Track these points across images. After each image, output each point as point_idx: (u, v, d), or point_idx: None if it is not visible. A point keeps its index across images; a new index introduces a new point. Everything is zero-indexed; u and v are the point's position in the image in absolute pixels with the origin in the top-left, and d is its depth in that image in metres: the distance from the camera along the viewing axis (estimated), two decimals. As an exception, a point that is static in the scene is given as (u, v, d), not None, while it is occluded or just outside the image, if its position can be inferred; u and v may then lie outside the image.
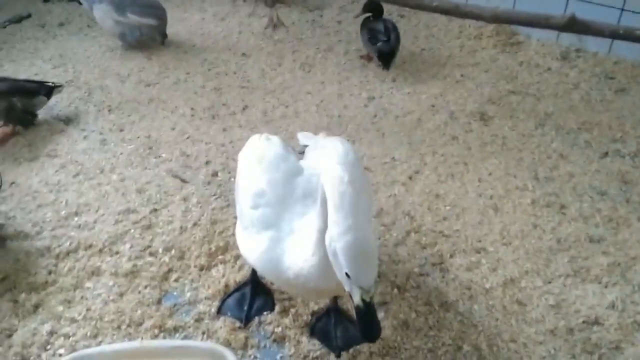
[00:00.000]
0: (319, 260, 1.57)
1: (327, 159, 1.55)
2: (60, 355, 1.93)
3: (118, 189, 2.69)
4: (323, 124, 3.21)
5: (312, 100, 3.45)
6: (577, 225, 2.51)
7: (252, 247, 1.76)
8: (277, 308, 2.11)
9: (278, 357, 1.96)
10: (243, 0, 4.88)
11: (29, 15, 4.56)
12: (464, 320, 2.08)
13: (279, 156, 1.84)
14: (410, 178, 2.79)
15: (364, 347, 1.97)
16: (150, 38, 4.06)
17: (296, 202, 1.73)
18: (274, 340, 2.01)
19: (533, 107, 3.38)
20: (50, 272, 2.24)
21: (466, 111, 3.34)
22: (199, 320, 2.07)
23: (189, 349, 1.77)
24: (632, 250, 2.38)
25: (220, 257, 2.32)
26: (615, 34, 2.72)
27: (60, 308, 2.10)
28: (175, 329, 2.04)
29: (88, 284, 2.21)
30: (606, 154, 2.97)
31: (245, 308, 2.08)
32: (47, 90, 3.15)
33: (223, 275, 2.23)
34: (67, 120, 3.24)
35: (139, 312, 2.09)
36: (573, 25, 2.67)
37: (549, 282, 2.24)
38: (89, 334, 2.01)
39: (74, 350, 1.93)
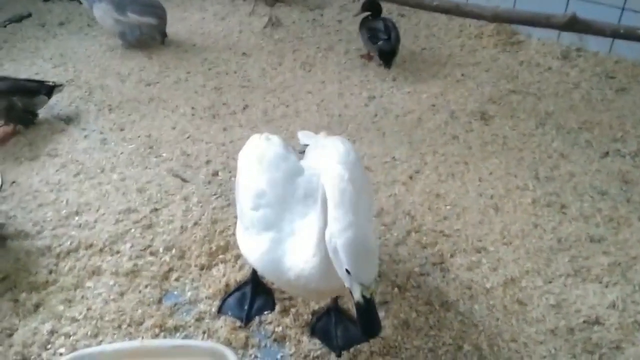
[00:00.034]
0: (320, 261, 1.57)
1: (327, 158, 1.55)
2: (61, 354, 1.93)
3: (119, 188, 2.69)
4: (323, 123, 3.21)
5: (312, 100, 3.45)
6: (577, 224, 2.51)
7: (253, 247, 1.76)
8: (277, 307, 2.11)
9: (279, 356, 1.96)
10: (243, 0, 4.88)
11: (30, 15, 4.56)
12: (465, 320, 2.08)
13: (279, 156, 1.84)
14: (410, 177, 2.79)
15: (365, 347, 1.97)
16: (150, 37, 4.06)
17: (297, 202, 1.73)
18: (275, 340, 2.01)
19: (534, 107, 3.38)
20: (50, 272, 2.25)
21: (467, 110, 3.33)
22: (199, 319, 2.07)
23: (189, 349, 1.77)
24: (633, 250, 2.38)
25: (220, 256, 2.32)
26: (616, 34, 2.72)
27: (61, 307, 2.10)
28: (176, 329, 2.04)
29: (89, 284, 2.21)
30: (607, 153, 2.97)
31: (246, 307, 2.08)
32: (48, 89, 3.15)
33: (224, 275, 2.23)
34: (68, 120, 3.24)
35: (140, 311, 2.09)
36: (574, 25, 2.67)
37: (550, 282, 2.24)
38: (89, 333, 2.01)
39: (74, 349, 1.93)
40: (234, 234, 2.29)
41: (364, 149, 2.99)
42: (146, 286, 2.19)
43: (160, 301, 2.15)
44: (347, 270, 1.40)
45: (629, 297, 2.17)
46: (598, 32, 2.73)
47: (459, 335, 2.02)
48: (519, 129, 3.17)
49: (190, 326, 2.05)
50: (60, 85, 3.25)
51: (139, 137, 3.09)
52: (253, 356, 1.96)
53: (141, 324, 2.05)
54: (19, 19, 4.47)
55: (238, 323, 2.05)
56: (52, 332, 2.01)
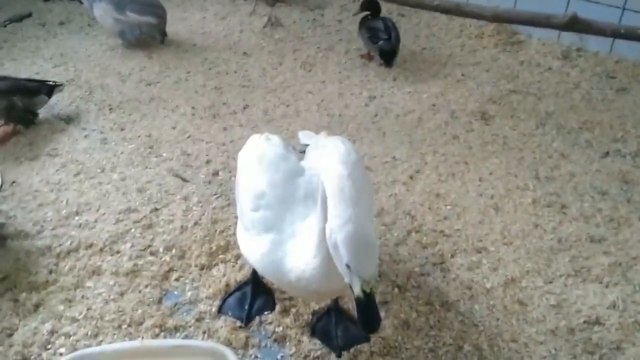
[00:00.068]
0: (321, 262, 1.56)
1: (328, 158, 1.55)
2: (61, 354, 1.92)
3: (119, 188, 2.69)
4: (324, 123, 3.21)
5: (313, 100, 3.45)
6: (578, 225, 2.51)
7: (253, 248, 1.75)
8: (277, 307, 2.11)
9: (279, 356, 1.96)
10: (244, 0, 4.88)
11: (30, 14, 4.56)
12: (465, 320, 2.08)
13: (279, 156, 1.83)
14: (411, 177, 2.79)
15: (365, 347, 1.97)
16: (149, 36, 4.06)
17: (298, 203, 1.72)
18: (275, 340, 2.01)
19: (534, 107, 3.37)
20: (51, 272, 2.24)
21: (467, 110, 3.33)
22: (199, 319, 2.07)
23: (189, 349, 1.77)
24: (633, 250, 2.38)
25: (221, 256, 2.32)
26: (616, 34, 2.71)
27: (61, 307, 2.10)
28: (176, 329, 2.04)
29: (89, 283, 2.21)
30: (607, 153, 2.97)
31: (246, 307, 2.07)
32: (48, 89, 3.15)
33: (224, 275, 2.23)
34: (68, 119, 3.24)
35: (140, 311, 2.09)
36: (574, 25, 2.66)
37: (550, 282, 2.24)
38: (89, 333, 2.01)
39: (74, 349, 1.93)
40: (234, 233, 2.29)
41: (364, 148, 2.99)
42: (146, 286, 2.19)
43: (160, 301, 2.15)
44: (347, 266, 1.40)
45: (629, 297, 2.16)
46: (598, 32, 2.73)
47: (460, 336, 2.02)
48: (519, 129, 3.16)
49: (190, 326, 2.05)
50: (61, 84, 3.25)
51: (139, 136, 3.09)
52: (253, 356, 1.96)
53: (141, 324, 2.05)
54: (20, 19, 4.47)
55: (238, 323, 2.05)
56: (52, 332, 2.01)
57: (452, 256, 2.36)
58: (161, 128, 3.16)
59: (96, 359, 1.74)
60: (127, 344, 1.84)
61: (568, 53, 3.90)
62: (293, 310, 2.10)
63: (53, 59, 3.89)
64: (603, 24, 2.68)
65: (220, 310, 2.10)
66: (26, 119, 3.11)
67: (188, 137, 3.08)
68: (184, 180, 2.75)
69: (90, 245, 2.36)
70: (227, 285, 2.19)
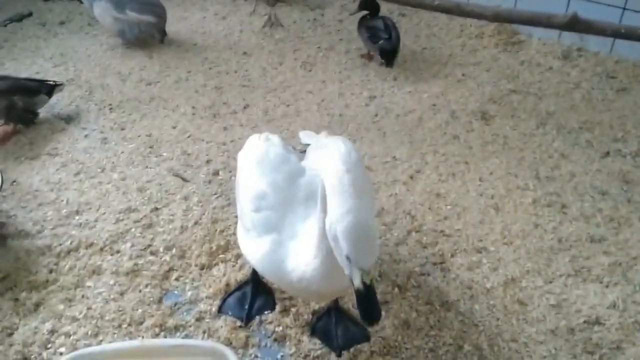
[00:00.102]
0: (321, 263, 1.56)
1: (328, 158, 1.55)
2: (61, 354, 1.92)
3: (119, 187, 2.69)
4: (324, 123, 3.21)
5: (313, 99, 3.45)
6: (578, 224, 2.51)
7: (254, 249, 1.75)
8: (278, 307, 2.11)
9: (279, 356, 1.96)
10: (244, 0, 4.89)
11: (30, 14, 4.56)
12: (465, 320, 2.08)
13: (280, 157, 1.83)
14: (411, 177, 2.79)
15: (365, 347, 1.97)
16: (149, 35, 4.06)
17: (298, 204, 1.72)
18: (275, 340, 2.01)
19: (534, 107, 3.37)
20: (51, 271, 2.24)
21: (467, 110, 3.33)
22: (199, 319, 2.07)
23: (189, 348, 1.77)
24: (633, 250, 2.38)
25: (221, 256, 2.32)
26: (617, 33, 2.71)
27: (61, 307, 2.10)
28: (176, 328, 2.04)
29: (89, 283, 2.21)
30: (607, 153, 2.97)
31: (246, 307, 2.07)
32: (48, 88, 3.15)
33: (224, 274, 2.23)
34: (68, 119, 3.24)
35: (140, 311, 2.09)
36: (575, 25, 2.66)
37: (550, 282, 2.24)
38: (89, 332, 2.01)
39: (74, 349, 1.93)
40: (234, 233, 2.29)
41: (364, 148, 2.99)
42: (146, 286, 2.19)
43: (160, 301, 2.15)
44: (347, 257, 1.39)
45: (629, 297, 2.16)
46: (599, 32, 2.73)
47: (460, 335, 2.02)
48: (519, 129, 3.16)
49: (190, 326, 2.05)
50: (61, 84, 3.25)
51: (139, 136, 3.09)
52: (253, 356, 1.96)
53: (141, 323, 2.05)
54: (20, 18, 4.47)
55: (238, 323, 2.05)
56: (52, 332, 2.01)
57: (452, 256, 2.36)
58: (161, 128, 3.16)
59: (96, 358, 1.74)
60: (127, 344, 1.84)
61: (568, 53, 3.90)
62: (293, 309, 2.10)
63: (53, 58, 3.89)
64: (603, 23, 2.68)
65: (220, 310, 2.10)
66: (26, 118, 3.11)
67: (188, 136, 3.08)
68: (184, 180, 2.75)
69: (91, 245, 2.36)
70: (227, 284, 2.19)
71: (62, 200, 2.61)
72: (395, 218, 2.54)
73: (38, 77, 3.49)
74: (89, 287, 2.19)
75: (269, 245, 1.69)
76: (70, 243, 2.36)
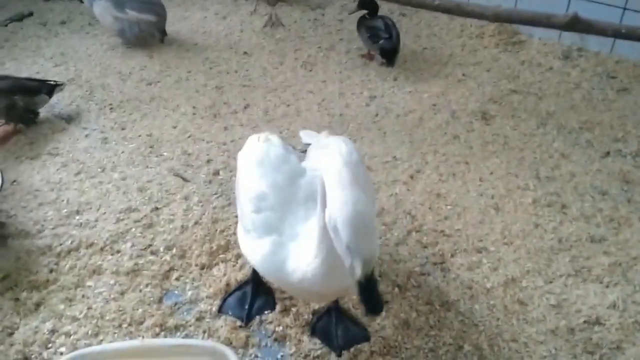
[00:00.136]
0: (322, 262, 1.56)
1: (329, 158, 1.55)
2: (62, 353, 1.93)
3: (119, 187, 2.69)
4: (324, 122, 3.21)
5: (313, 99, 3.45)
6: (578, 225, 2.51)
7: (254, 250, 1.75)
8: (278, 307, 2.11)
9: (279, 356, 1.96)
10: (245, -1, 4.89)
11: (31, 14, 4.56)
12: (465, 320, 2.08)
13: (280, 157, 1.83)
14: (411, 177, 2.79)
15: (365, 347, 1.97)
16: (149, 34, 4.06)
17: (299, 205, 1.72)
18: (275, 339, 2.01)
19: (535, 107, 3.37)
20: (51, 271, 2.25)
21: (468, 110, 3.33)
22: (200, 319, 2.07)
23: (189, 348, 1.77)
24: (634, 250, 2.38)
25: (221, 255, 2.32)
26: (617, 33, 2.71)
27: (62, 306, 2.10)
28: (176, 328, 2.04)
29: (89, 283, 2.21)
30: (608, 153, 2.97)
31: (246, 307, 2.07)
32: (49, 88, 3.15)
33: (224, 274, 2.23)
34: (69, 119, 3.24)
35: (140, 310, 2.09)
36: (575, 25, 2.66)
37: (550, 282, 2.24)
38: (90, 332, 2.01)
39: (75, 348, 1.94)
40: (234, 233, 2.29)
41: (365, 148, 2.99)
42: (147, 285, 2.19)
43: (160, 300, 2.15)
44: (347, 247, 1.38)
45: (629, 298, 2.17)
46: (599, 32, 2.73)
47: (460, 335, 2.02)
48: (520, 129, 3.16)
49: (190, 325, 2.05)
50: (62, 84, 3.25)
51: (139, 136, 3.09)
52: (253, 355, 1.96)
53: (142, 323, 2.05)
54: (20, 18, 4.47)
55: (238, 322, 2.06)
56: (52, 331, 2.01)
57: (452, 256, 2.36)
58: (162, 127, 3.16)
59: (96, 358, 1.74)
60: (127, 343, 1.84)
61: (569, 53, 3.90)
62: (293, 309, 2.10)
63: (54, 58, 3.90)
64: (604, 23, 2.68)
65: (220, 310, 2.10)
66: (27, 118, 3.12)
67: (189, 136, 3.09)
68: (185, 179, 2.75)
69: (91, 245, 2.36)
70: (228, 284, 2.19)
71: (63, 200, 2.61)
72: (396, 218, 2.54)
73: (39, 76, 3.49)
74: (89, 286, 2.19)
75: (270, 246, 1.69)
76: (71, 243, 2.36)
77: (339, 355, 1.94)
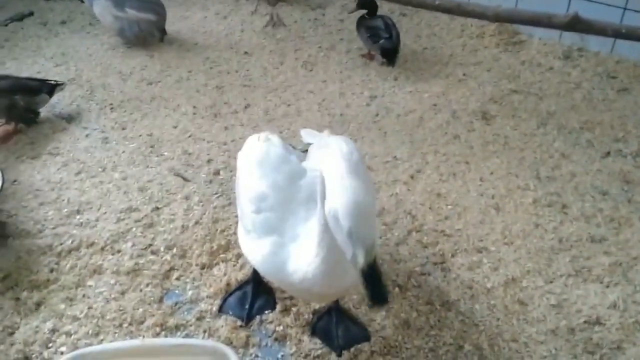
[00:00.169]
0: (323, 261, 1.56)
1: (330, 158, 1.55)
2: (62, 353, 1.93)
3: (120, 187, 2.69)
4: (325, 122, 3.21)
5: (314, 99, 3.45)
6: (578, 225, 2.51)
7: (255, 250, 1.75)
8: (278, 307, 2.11)
9: (279, 355, 1.96)
10: (245, -1, 4.88)
11: (31, 13, 4.56)
12: (465, 320, 2.08)
13: (280, 157, 1.83)
14: (411, 177, 2.79)
15: (365, 346, 1.97)
16: (149, 34, 4.06)
17: (299, 205, 1.71)
18: (275, 339, 2.01)
19: (535, 107, 3.37)
20: (52, 270, 2.25)
21: (468, 110, 3.33)
22: (200, 318, 2.08)
23: (190, 348, 1.78)
24: (634, 250, 2.38)
25: (221, 255, 2.32)
26: (617, 34, 2.71)
27: (62, 306, 2.11)
28: (177, 328, 2.04)
29: (90, 282, 2.21)
30: (608, 153, 2.97)
31: (247, 307, 2.08)
32: (49, 88, 3.15)
33: (224, 274, 2.23)
34: (69, 119, 3.24)
35: (141, 310, 2.09)
36: (576, 25, 2.66)
37: (551, 282, 2.24)
38: (90, 332, 2.01)
39: (75, 348, 1.94)
40: (235, 233, 2.29)
41: (365, 148, 2.99)
42: (147, 285, 2.19)
43: (161, 300, 2.15)
44: (348, 235, 1.37)
45: (629, 298, 2.17)
46: (600, 32, 2.73)
47: (460, 335, 2.02)
48: (520, 129, 3.16)
49: (191, 325, 2.05)
50: (62, 84, 3.25)
51: (140, 136, 3.09)
52: (254, 355, 1.96)
53: (142, 322, 2.05)
54: (21, 18, 4.47)
55: (239, 322, 2.06)
56: (53, 331, 2.01)
57: (452, 256, 2.36)
58: (162, 127, 3.17)
59: (97, 357, 1.74)
60: (128, 343, 1.84)
61: (569, 53, 3.90)
62: (294, 309, 2.10)
63: (54, 58, 3.90)
64: (604, 23, 2.68)
65: (221, 310, 2.10)
66: (27, 118, 3.12)
67: (189, 136, 3.09)
68: (185, 179, 2.75)
69: (92, 244, 2.36)
70: (228, 284, 2.19)
71: (63, 200, 2.61)
72: (396, 218, 2.54)
73: (39, 76, 3.49)
74: (89, 286, 2.19)
75: (270, 247, 1.69)
76: (71, 242, 2.37)
77: (339, 355, 1.95)
